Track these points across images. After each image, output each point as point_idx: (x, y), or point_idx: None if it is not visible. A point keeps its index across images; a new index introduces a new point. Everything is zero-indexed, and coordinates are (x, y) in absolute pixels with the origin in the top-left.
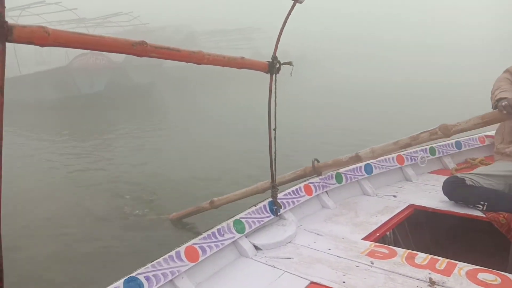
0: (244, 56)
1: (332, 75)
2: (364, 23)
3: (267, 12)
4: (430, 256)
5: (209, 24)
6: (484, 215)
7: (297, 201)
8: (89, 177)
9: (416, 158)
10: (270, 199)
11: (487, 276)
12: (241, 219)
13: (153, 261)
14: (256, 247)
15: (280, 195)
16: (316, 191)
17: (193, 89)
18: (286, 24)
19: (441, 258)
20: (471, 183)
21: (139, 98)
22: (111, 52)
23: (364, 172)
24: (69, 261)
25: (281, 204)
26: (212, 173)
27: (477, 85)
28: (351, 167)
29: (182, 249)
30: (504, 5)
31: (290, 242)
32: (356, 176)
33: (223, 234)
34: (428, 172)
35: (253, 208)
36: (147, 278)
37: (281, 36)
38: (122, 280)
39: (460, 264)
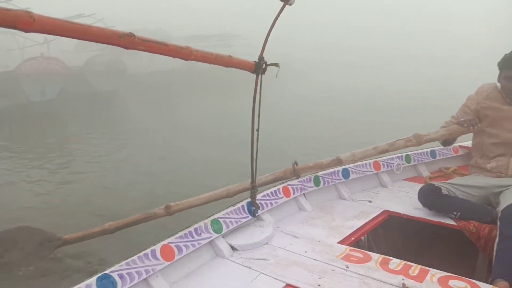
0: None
1: (315, 84)
2: (348, 32)
3: (248, 19)
4: (403, 261)
5: (186, 29)
6: (455, 224)
7: (275, 202)
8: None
9: (392, 165)
10: (249, 199)
11: (458, 283)
12: (218, 219)
13: (127, 259)
14: (233, 248)
15: (258, 196)
16: (294, 193)
17: (164, 97)
18: (274, 27)
19: (414, 264)
20: (447, 193)
21: (98, 107)
22: (97, 42)
23: (341, 177)
24: None
25: (259, 205)
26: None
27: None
28: (329, 171)
29: (157, 247)
30: (497, 19)
31: (267, 243)
32: (333, 180)
33: (200, 234)
34: (403, 179)
35: (231, 208)
36: (121, 276)
37: (266, 44)
38: (95, 278)
39: (432, 270)
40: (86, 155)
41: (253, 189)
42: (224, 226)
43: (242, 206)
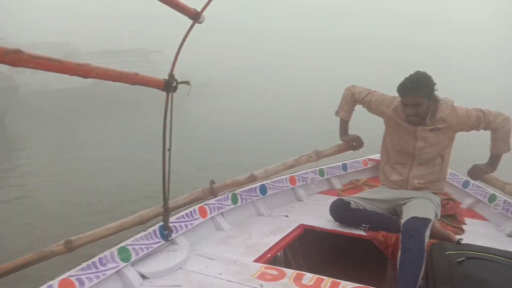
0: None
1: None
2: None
3: (169, 34)
4: (316, 276)
5: (98, 43)
6: (365, 234)
7: (191, 224)
8: None
9: (307, 179)
10: (161, 223)
11: None
12: (127, 246)
13: None
14: (143, 276)
15: (172, 219)
16: (211, 213)
17: (63, 119)
18: (187, 45)
19: (326, 278)
20: (355, 206)
21: None
22: None
23: (259, 193)
24: None
25: (173, 229)
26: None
27: None
28: (246, 188)
29: (55, 282)
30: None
31: (180, 268)
32: (251, 197)
33: (105, 264)
34: (318, 193)
35: (142, 234)
36: None
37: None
38: None
39: (343, 283)
40: None
41: (166, 212)
42: (133, 254)
43: (154, 230)
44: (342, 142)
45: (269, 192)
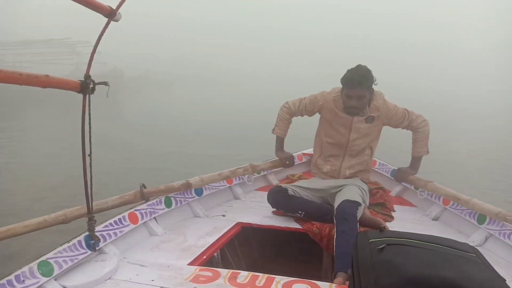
0: (51, 74)
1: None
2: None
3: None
4: (251, 273)
5: (18, 33)
6: (301, 227)
7: (120, 231)
8: None
9: (243, 177)
10: (87, 232)
11: (301, 286)
12: (48, 260)
13: None
14: None
15: (99, 227)
16: (142, 218)
17: None
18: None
19: (261, 274)
20: (293, 193)
21: None
22: None
23: (194, 194)
24: None
25: (100, 238)
26: None
27: None
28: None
29: None
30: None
31: (109, 278)
32: (186, 199)
33: (23, 281)
34: (255, 190)
35: (65, 246)
36: None
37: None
38: None
39: (277, 277)
40: None
41: (90, 220)
42: (56, 267)
43: (79, 241)
44: (277, 158)
45: (205, 192)
